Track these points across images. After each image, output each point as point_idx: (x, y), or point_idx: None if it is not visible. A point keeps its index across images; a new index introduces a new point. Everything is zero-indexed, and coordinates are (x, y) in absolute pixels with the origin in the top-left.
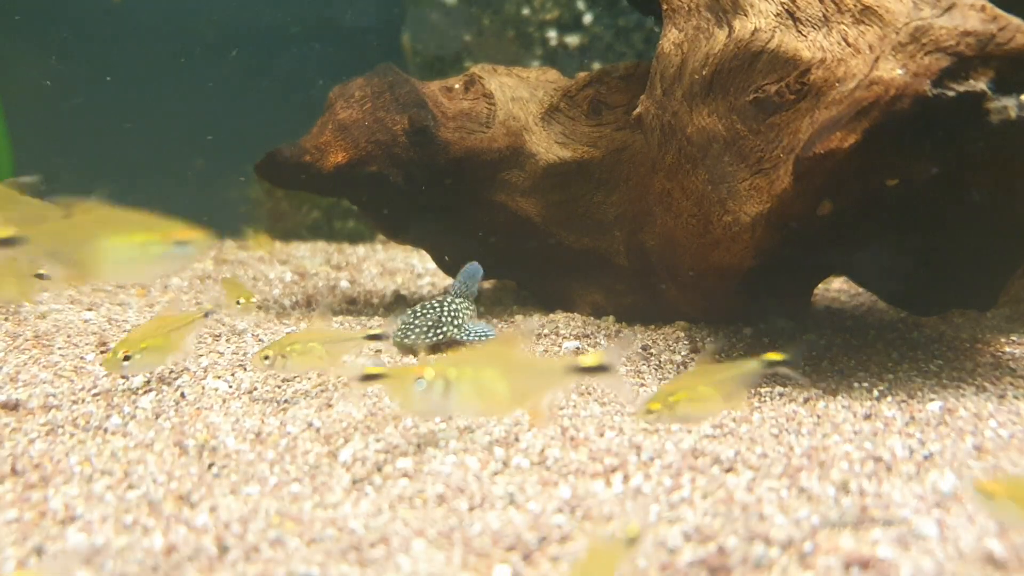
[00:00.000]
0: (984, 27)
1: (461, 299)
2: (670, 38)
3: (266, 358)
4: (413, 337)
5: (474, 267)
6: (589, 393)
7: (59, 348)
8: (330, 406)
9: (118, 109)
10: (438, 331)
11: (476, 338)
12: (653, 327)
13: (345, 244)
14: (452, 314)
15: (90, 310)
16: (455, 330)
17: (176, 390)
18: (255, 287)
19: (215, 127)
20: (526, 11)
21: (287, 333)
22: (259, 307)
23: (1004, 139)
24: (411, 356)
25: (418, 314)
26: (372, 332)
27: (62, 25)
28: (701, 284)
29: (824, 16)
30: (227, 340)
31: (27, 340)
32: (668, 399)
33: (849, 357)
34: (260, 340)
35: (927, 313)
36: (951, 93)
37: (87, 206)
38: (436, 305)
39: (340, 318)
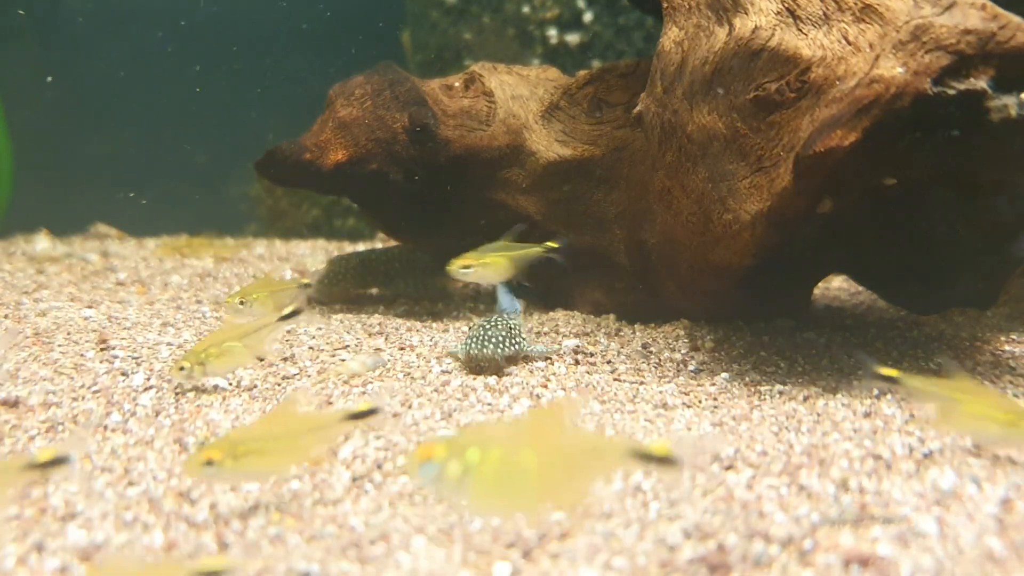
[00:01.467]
0: (984, 25)
1: (511, 315)
2: (670, 36)
3: (181, 369)
4: (492, 347)
5: (505, 285)
6: (589, 391)
7: (59, 345)
8: (330, 403)
9: (118, 108)
10: (514, 343)
11: (542, 352)
12: (653, 325)
13: (345, 242)
14: (518, 328)
15: (90, 307)
16: (525, 343)
17: (176, 387)
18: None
19: (215, 125)
20: (526, 9)
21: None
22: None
23: (1004, 137)
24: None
25: (487, 327)
26: (286, 313)
27: (62, 24)
28: (701, 282)
29: (824, 14)
30: None
31: (27, 337)
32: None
33: (849, 355)
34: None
35: (927, 311)
36: (951, 91)
37: None
38: (498, 321)
39: (339, 316)
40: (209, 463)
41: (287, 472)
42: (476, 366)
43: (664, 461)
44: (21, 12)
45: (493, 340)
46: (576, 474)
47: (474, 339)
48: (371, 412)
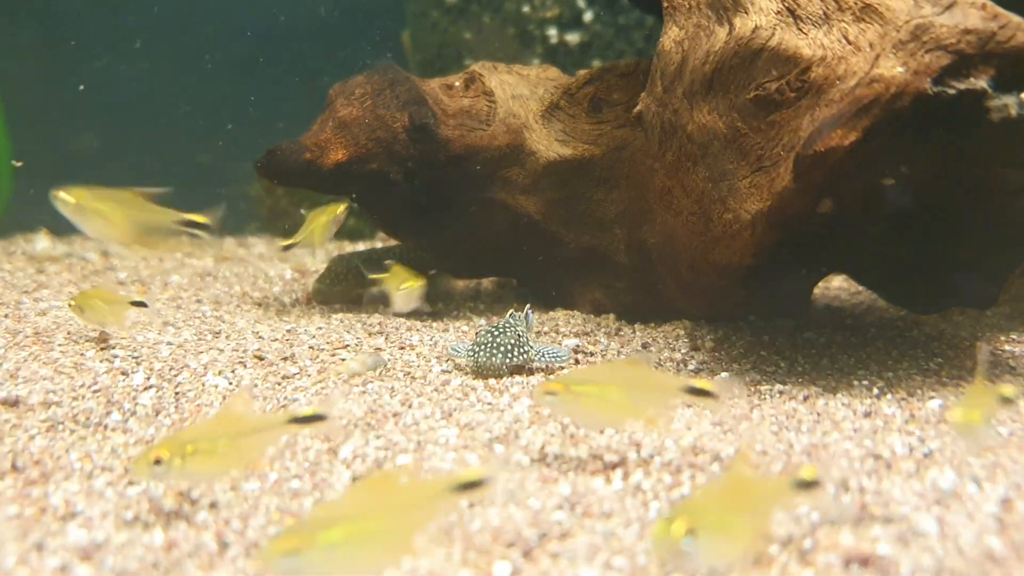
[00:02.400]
0: (985, 25)
1: (520, 323)
2: (671, 36)
3: (74, 306)
4: (500, 356)
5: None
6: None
7: (59, 345)
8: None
9: (119, 108)
10: (522, 352)
11: (552, 360)
12: (653, 325)
13: (345, 242)
14: (525, 336)
15: None
16: (532, 351)
17: (176, 387)
18: (255, 284)
19: (215, 124)
20: (526, 9)
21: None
22: (259, 304)
23: (1004, 137)
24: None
25: (496, 334)
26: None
27: (63, 20)
28: (701, 282)
29: (825, 14)
30: (227, 337)
31: (27, 337)
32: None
33: (849, 355)
34: (260, 337)
35: (927, 311)
36: (952, 91)
37: None
38: (507, 327)
39: (340, 316)
40: (158, 462)
41: (233, 472)
42: (482, 373)
43: (706, 394)
44: None
45: (502, 349)
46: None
47: (483, 346)
48: (317, 418)
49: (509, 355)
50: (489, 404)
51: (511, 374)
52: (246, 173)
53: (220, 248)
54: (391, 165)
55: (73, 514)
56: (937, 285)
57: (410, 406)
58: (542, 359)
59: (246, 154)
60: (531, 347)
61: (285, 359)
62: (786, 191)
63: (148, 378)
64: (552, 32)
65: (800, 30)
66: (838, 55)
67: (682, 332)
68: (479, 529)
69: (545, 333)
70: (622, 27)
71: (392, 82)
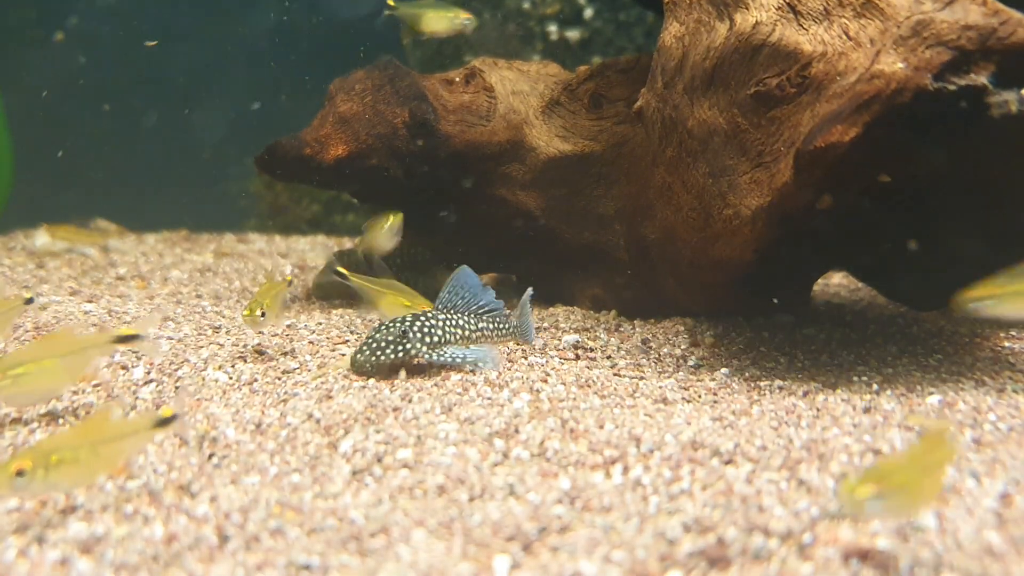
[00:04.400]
0: (985, 21)
1: (446, 315)
2: (671, 31)
3: None
4: (367, 353)
5: (463, 275)
6: (589, 386)
7: None
8: (330, 397)
9: (119, 104)
10: (398, 348)
11: (451, 360)
12: (653, 321)
13: (345, 238)
14: (427, 330)
15: (90, 302)
16: (422, 348)
17: (176, 381)
18: (255, 280)
19: (216, 121)
20: (527, 5)
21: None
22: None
23: (1005, 133)
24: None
25: (381, 328)
26: (28, 298)
27: (62, 22)
28: (701, 278)
29: (825, 9)
30: (227, 332)
31: (27, 331)
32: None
33: (848, 351)
34: (260, 332)
35: (926, 308)
36: (952, 87)
37: None
38: (392, 325)
39: (339, 311)
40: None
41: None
42: (356, 371)
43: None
44: None
45: (372, 346)
46: None
47: (362, 344)
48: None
49: (382, 352)
50: (489, 399)
51: (396, 371)
52: (246, 168)
53: (220, 244)
54: (391, 161)
55: (73, 507)
56: (937, 281)
57: (410, 401)
58: (439, 358)
59: (246, 149)
60: (420, 346)
61: (285, 354)
62: (786, 187)
63: (148, 372)
64: (552, 28)
65: (801, 26)
66: (839, 51)
67: (682, 328)
68: (479, 523)
69: (545, 329)
70: (622, 23)
71: (392, 78)
